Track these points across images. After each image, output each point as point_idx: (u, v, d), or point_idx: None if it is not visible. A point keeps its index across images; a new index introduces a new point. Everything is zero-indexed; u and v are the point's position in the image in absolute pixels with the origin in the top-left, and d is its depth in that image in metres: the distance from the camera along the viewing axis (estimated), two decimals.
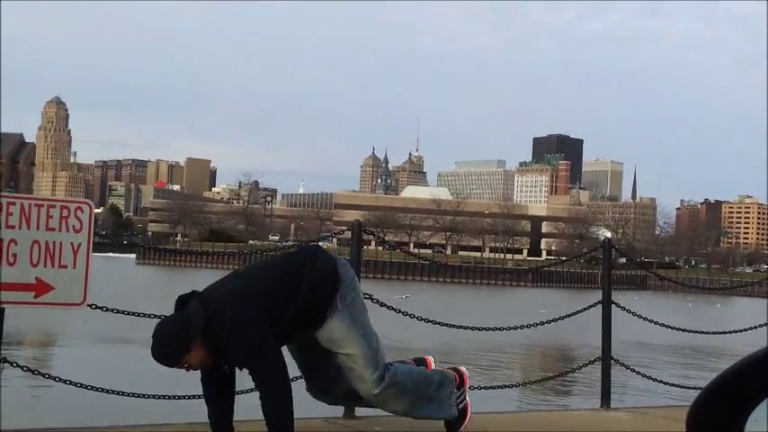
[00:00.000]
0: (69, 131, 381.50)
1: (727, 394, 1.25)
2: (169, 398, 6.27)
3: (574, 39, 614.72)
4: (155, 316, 6.27)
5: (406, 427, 5.88)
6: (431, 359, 5.34)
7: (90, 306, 5.60)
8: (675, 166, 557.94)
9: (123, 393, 6.05)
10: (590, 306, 7.88)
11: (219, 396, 4.65)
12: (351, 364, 4.72)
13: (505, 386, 9.48)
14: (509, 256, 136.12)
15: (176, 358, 4.37)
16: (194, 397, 6.07)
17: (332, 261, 4.75)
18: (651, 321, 8.25)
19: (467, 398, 5.17)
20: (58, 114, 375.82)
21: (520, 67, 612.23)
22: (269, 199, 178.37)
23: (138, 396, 6.11)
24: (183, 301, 4.51)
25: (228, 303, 4.44)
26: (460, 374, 5.22)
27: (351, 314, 4.72)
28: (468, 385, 5.22)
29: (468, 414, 5.18)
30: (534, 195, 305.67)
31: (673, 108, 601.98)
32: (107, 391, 6.00)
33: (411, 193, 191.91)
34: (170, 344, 4.38)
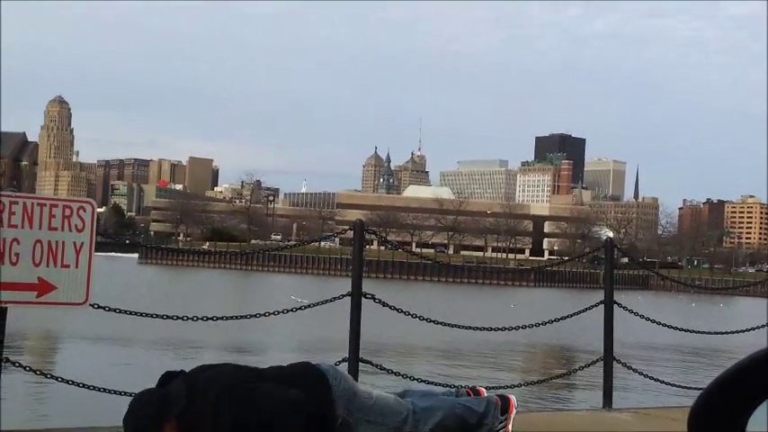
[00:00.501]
0: (72, 130, 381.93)
1: (728, 395, 1.24)
2: None
3: (576, 38, 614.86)
4: (157, 316, 6.29)
5: None
6: (484, 390, 5.36)
7: (92, 306, 5.60)
8: (678, 166, 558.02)
9: (126, 393, 6.05)
10: (592, 306, 7.88)
11: None
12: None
13: (507, 386, 9.47)
14: (511, 255, 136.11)
15: None
16: None
17: (324, 379, 4.61)
18: (654, 322, 8.25)
19: (509, 426, 5.15)
20: (60, 113, 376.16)
21: (522, 67, 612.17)
22: (271, 198, 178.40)
23: None
24: (168, 378, 4.43)
25: (215, 384, 4.34)
26: (507, 401, 5.21)
27: (366, 420, 4.69)
28: (513, 413, 5.19)
29: None
30: (536, 195, 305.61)
31: (675, 107, 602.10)
32: (109, 391, 6.00)
33: (413, 192, 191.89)
34: (144, 418, 4.27)
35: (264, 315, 6.57)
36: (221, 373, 4.47)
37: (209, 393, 4.28)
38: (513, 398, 5.26)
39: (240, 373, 4.49)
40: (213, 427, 4.24)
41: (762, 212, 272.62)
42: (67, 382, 5.95)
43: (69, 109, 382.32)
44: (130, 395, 6.03)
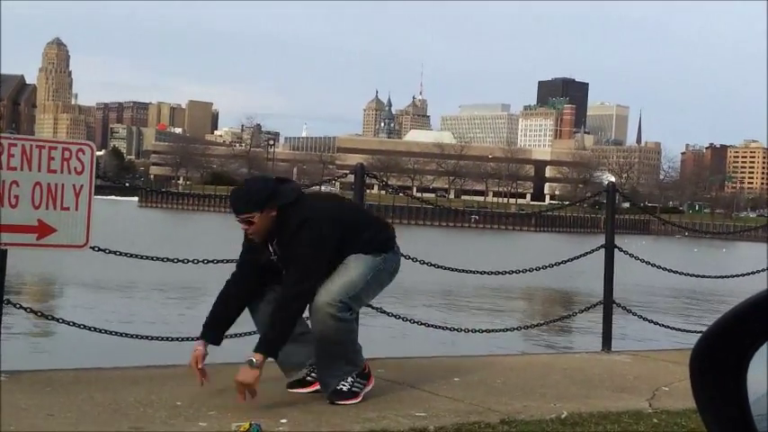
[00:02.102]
0: (70, 73, 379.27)
1: (730, 336, 1.23)
2: (172, 340, 6.31)
3: None
4: (157, 258, 6.29)
5: (411, 370, 5.92)
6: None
7: (92, 248, 5.60)
8: (681, 111, 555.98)
9: (126, 335, 6.09)
10: (593, 250, 7.87)
11: (230, 300, 4.88)
12: (329, 284, 4.78)
13: (506, 329, 9.53)
14: (512, 200, 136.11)
15: (249, 207, 4.66)
16: (196, 339, 6.11)
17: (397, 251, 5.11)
18: (655, 266, 8.25)
19: (362, 393, 4.91)
20: (58, 56, 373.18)
21: (526, 10, 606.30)
22: (271, 142, 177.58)
23: (142, 338, 6.14)
24: (280, 181, 4.90)
25: (316, 208, 4.76)
26: (369, 374, 5.03)
27: (372, 267, 4.85)
28: (370, 387, 4.98)
29: (354, 401, 4.85)
30: (538, 139, 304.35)
31: (679, 52, 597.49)
32: (110, 333, 6.03)
33: (414, 136, 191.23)
34: (255, 193, 4.71)
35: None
36: (326, 208, 4.90)
37: (303, 211, 4.68)
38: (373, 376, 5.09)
39: (339, 217, 4.88)
40: (288, 233, 4.65)
41: (764, 157, 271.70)
42: (68, 323, 5.97)
43: (68, 51, 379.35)
44: (131, 336, 6.08)
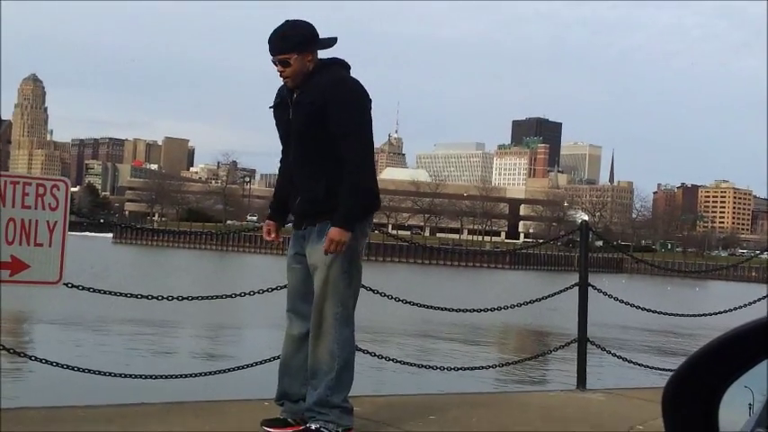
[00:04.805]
0: (46, 109, 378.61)
1: (700, 375, 1.25)
2: (145, 377, 6.26)
3: (560, 23, 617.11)
4: (131, 295, 6.25)
5: (386, 408, 5.89)
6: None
7: (66, 285, 5.56)
8: (653, 151, 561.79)
9: (99, 372, 6.03)
10: (567, 288, 7.91)
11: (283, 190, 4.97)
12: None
13: (481, 367, 9.52)
14: (487, 238, 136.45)
15: (287, 46, 4.53)
16: (170, 377, 6.06)
17: None
18: (628, 304, 8.29)
19: None
20: (34, 92, 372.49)
21: (503, 51, 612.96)
22: (247, 179, 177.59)
23: (115, 375, 6.09)
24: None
25: (358, 85, 4.64)
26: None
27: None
28: None
29: None
30: (513, 178, 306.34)
31: (651, 93, 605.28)
32: (82, 371, 5.97)
33: (390, 174, 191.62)
34: (296, 33, 4.55)
35: (240, 295, 6.55)
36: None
37: (346, 80, 4.70)
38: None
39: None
40: (317, 88, 4.59)
41: (735, 197, 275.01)
42: (40, 360, 5.91)
43: (44, 87, 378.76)
44: (104, 374, 6.02)
